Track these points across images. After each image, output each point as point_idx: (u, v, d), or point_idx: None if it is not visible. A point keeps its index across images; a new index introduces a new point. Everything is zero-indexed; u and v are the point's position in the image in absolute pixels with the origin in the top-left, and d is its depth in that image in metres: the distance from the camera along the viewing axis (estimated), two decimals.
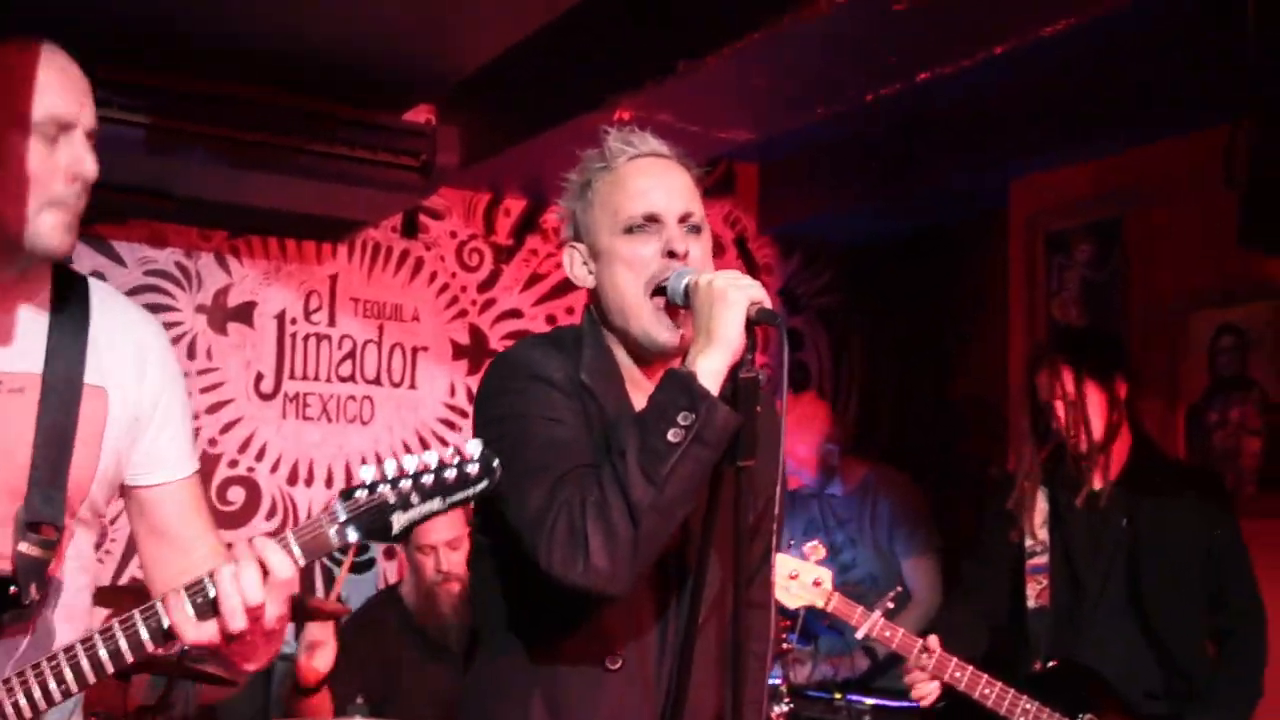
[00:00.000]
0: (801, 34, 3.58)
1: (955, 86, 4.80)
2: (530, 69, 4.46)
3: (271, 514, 5.09)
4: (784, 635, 4.39)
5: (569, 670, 2.21)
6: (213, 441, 5.03)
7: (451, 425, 5.41)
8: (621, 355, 2.32)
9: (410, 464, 1.89)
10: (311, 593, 5.05)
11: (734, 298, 2.09)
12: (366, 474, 1.89)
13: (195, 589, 1.88)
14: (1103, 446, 3.85)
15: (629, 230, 2.25)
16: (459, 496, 1.90)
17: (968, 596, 4.15)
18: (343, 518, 1.88)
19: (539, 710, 2.22)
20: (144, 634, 1.90)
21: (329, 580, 5.12)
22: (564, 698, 2.21)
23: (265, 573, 1.86)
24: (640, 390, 2.29)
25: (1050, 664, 3.87)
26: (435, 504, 1.89)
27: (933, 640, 3.78)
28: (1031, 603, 3.96)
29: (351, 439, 5.26)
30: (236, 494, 5.07)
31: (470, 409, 5.29)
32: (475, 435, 2.23)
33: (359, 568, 5.23)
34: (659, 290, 2.24)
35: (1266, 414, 4.44)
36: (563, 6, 3.72)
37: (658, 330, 2.25)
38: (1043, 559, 3.98)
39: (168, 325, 4.90)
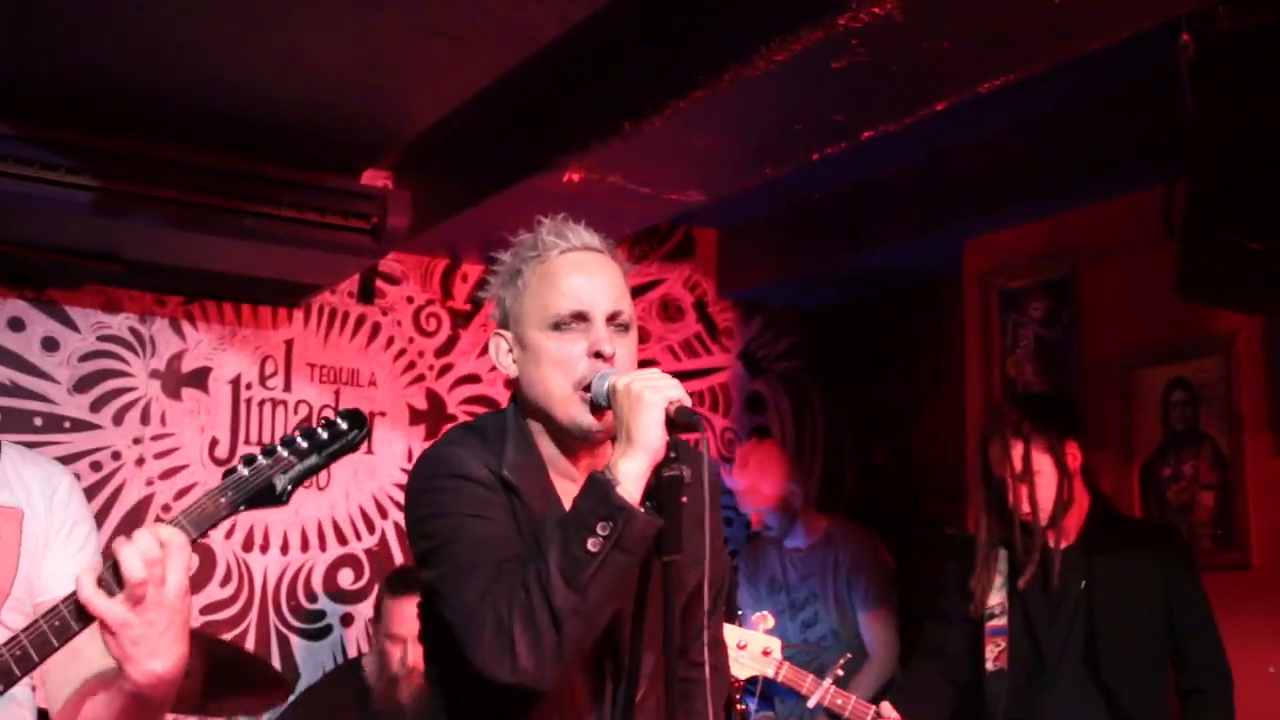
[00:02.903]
0: (744, 94, 3.61)
1: (906, 148, 4.86)
2: (479, 132, 4.51)
3: (226, 580, 5.05)
4: (739, 697, 4.36)
5: None
6: (166, 508, 4.99)
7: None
8: (546, 445, 2.34)
9: (284, 437, 2.06)
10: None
11: (651, 399, 2.12)
12: (245, 457, 2.04)
13: (103, 569, 1.96)
14: (1052, 523, 3.85)
15: (556, 327, 2.26)
16: (334, 448, 2.07)
17: (927, 658, 4.13)
18: (228, 491, 2.01)
19: None
20: (61, 621, 1.96)
21: None
22: None
23: (161, 545, 1.94)
24: (567, 480, 2.32)
25: None
26: (313, 460, 2.06)
27: (885, 707, 3.76)
28: (990, 664, 3.94)
29: (308, 505, 5.23)
30: (191, 561, 5.02)
31: None
32: (408, 532, 2.36)
33: (316, 634, 5.19)
34: (586, 388, 2.26)
35: (1219, 468, 4.45)
36: (504, 67, 3.75)
37: (583, 416, 2.26)
38: (1002, 620, 3.97)
39: (121, 390, 4.97)
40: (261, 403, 5.22)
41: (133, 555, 1.90)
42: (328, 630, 5.23)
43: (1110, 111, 4.48)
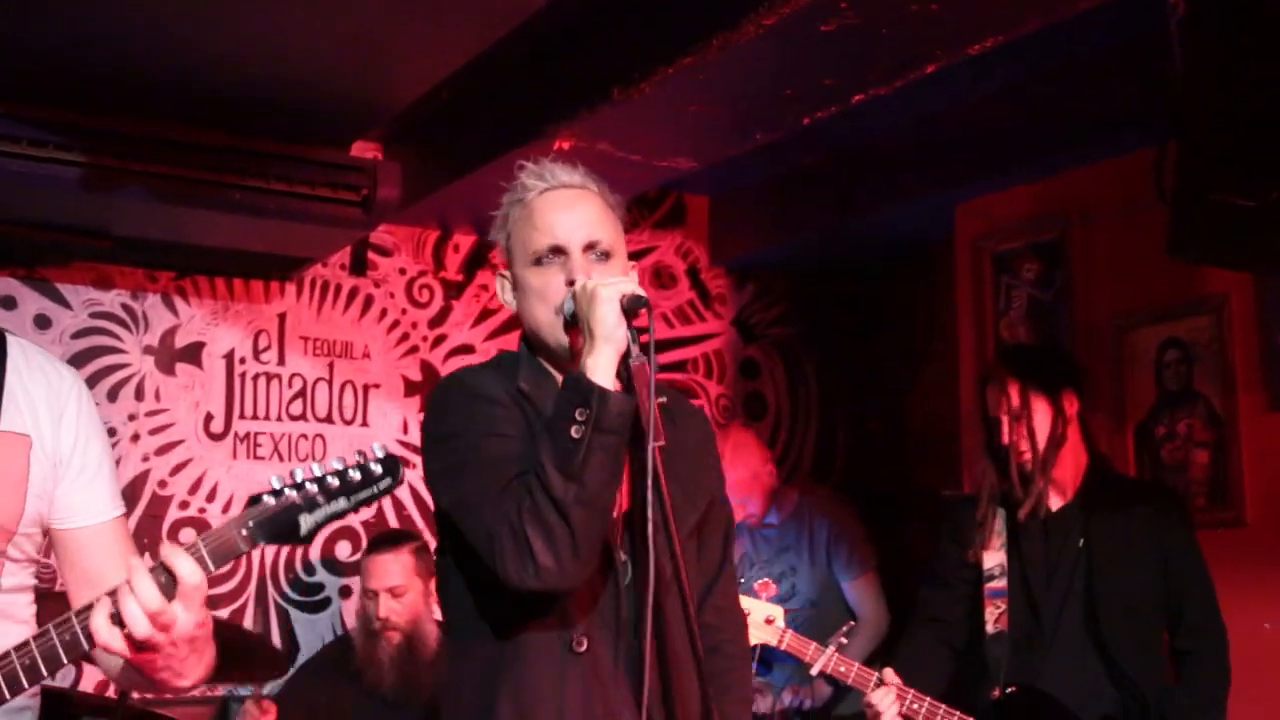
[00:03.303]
0: (733, 59, 3.61)
1: (896, 114, 4.86)
2: (468, 102, 4.50)
3: None
4: None
5: (537, 657, 2.34)
6: (162, 483, 5.00)
7: (405, 462, 5.36)
8: (552, 368, 2.49)
9: (317, 469, 1.97)
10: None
11: (604, 294, 2.26)
12: (275, 481, 1.96)
13: (112, 597, 1.93)
14: (1046, 457, 3.84)
15: (538, 262, 2.41)
16: (364, 495, 2.00)
17: (926, 623, 4.12)
18: (250, 523, 1.94)
19: (508, 698, 2.33)
20: (71, 636, 1.93)
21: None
22: (533, 683, 2.33)
23: (175, 580, 1.90)
24: None
25: (1009, 690, 3.84)
26: (341, 503, 1.98)
27: (889, 673, 3.76)
28: (990, 627, 3.93)
29: None
30: (188, 535, 5.03)
31: None
32: (423, 452, 2.43)
33: (314, 607, 5.21)
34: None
35: (1213, 426, 4.47)
36: (492, 36, 3.73)
37: (563, 336, 2.42)
38: (1001, 582, 3.95)
39: (115, 367, 4.96)
40: (256, 377, 5.22)
41: (134, 611, 1.87)
42: (326, 603, 5.24)
43: (1099, 74, 4.47)
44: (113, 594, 1.90)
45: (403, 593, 4.36)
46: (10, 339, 2.28)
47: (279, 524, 1.94)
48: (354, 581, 5.24)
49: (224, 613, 5.02)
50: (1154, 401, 4.65)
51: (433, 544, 4.81)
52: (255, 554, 5.11)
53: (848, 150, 5.34)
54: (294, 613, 5.16)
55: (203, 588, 1.91)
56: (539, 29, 3.83)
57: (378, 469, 2.00)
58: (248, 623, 5.07)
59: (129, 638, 1.89)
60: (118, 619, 1.89)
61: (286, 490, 1.95)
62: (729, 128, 4.24)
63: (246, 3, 3.54)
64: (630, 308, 2.26)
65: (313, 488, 1.96)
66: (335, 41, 3.79)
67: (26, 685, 1.95)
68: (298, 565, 5.19)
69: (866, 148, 5.28)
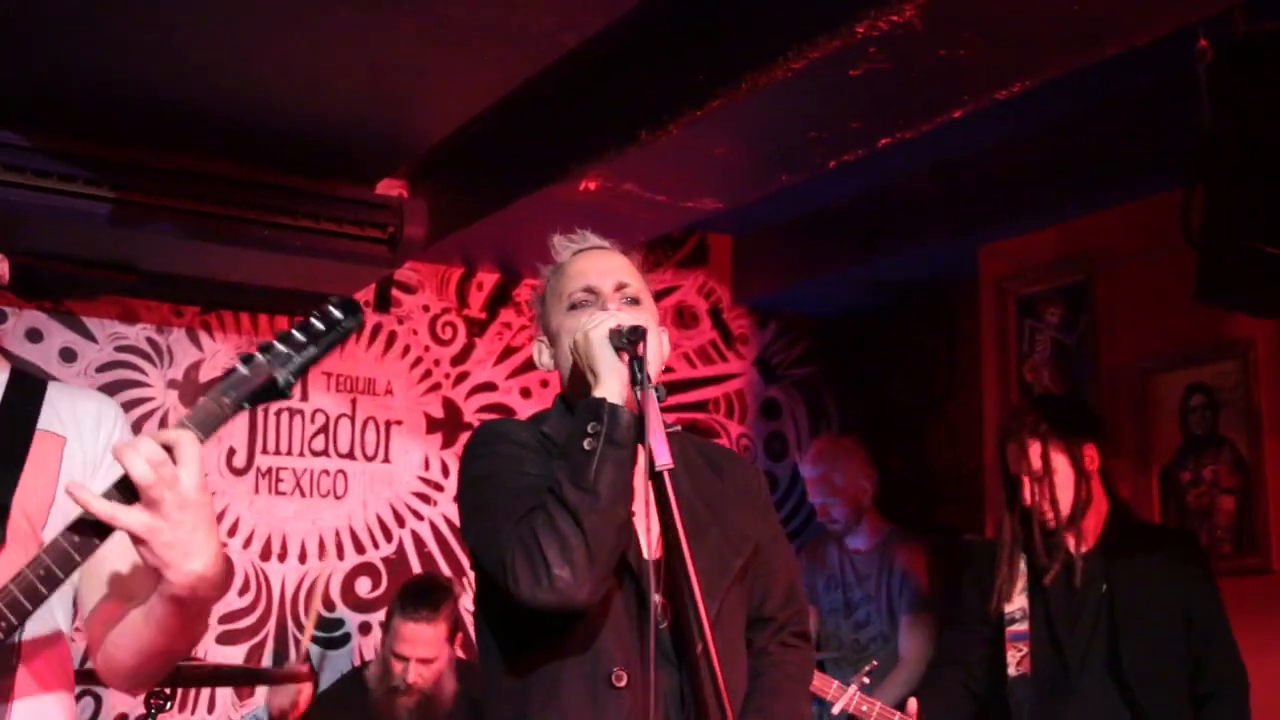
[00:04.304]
0: (761, 101, 3.63)
1: (921, 155, 4.86)
2: (495, 141, 4.52)
3: (245, 589, 5.05)
4: None
5: (575, 691, 2.37)
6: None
7: (426, 499, 5.39)
8: None
9: (279, 333, 2.02)
10: (283, 661, 5.01)
11: (595, 337, 2.39)
12: (242, 356, 2.00)
13: (109, 486, 1.93)
14: (1070, 521, 3.85)
15: (572, 306, 2.54)
16: (330, 337, 2.02)
17: (947, 666, 4.11)
18: (230, 390, 1.98)
19: None
20: (85, 531, 1.94)
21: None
22: (572, 716, 2.36)
23: (170, 447, 1.91)
24: None
25: None
26: (311, 350, 2.01)
27: (911, 704, 3.74)
28: (1012, 670, 3.92)
29: (325, 514, 5.24)
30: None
31: (444, 481, 5.30)
32: (457, 499, 2.55)
33: (334, 643, 5.20)
34: None
35: (1239, 472, 4.44)
36: (520, 76, 3.75)
37: None
38: (1023, 626, 3.95)
39: (139, 401, 4.97)
40: (278, 412, 5.22)
41: (136, 459, 1.88)
42: (346, 639, 5.23)
43: (1125, 116, 4.47)
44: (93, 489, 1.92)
45: (431, 660, 4.39)
46: (51, 382, 2.33)
47: (256, 385, 1.98)
48: (373, 618, 5.23)
49: (243, 648, 5.02)
50: (1179, 446, 4.63)
51: (461, 593, 4.83)
52: (275, 590, 5.12)
53: (872, 191, 5.34)
54: (314, 649, 5.14)
55: (196, 445, 1.93)
56: (566, 70, 3.85)
57: (338, 313, 2.02)
58: (266, 660, 5.06)
59: (144, 501, 1.89)
60: (114, 499, 1.90)
61: (258, 356, 1.99)
62: (755, 170, 4.25)
63: (275, 40, 3.57)
64: (628, 340, 2.35)
65: (281, 346, 1.99)
66: (364, 79, 3.82)
67: (45, 592, 1.96)
68: (318, 602, 5.17)
69: (891, 189, 5.29)
